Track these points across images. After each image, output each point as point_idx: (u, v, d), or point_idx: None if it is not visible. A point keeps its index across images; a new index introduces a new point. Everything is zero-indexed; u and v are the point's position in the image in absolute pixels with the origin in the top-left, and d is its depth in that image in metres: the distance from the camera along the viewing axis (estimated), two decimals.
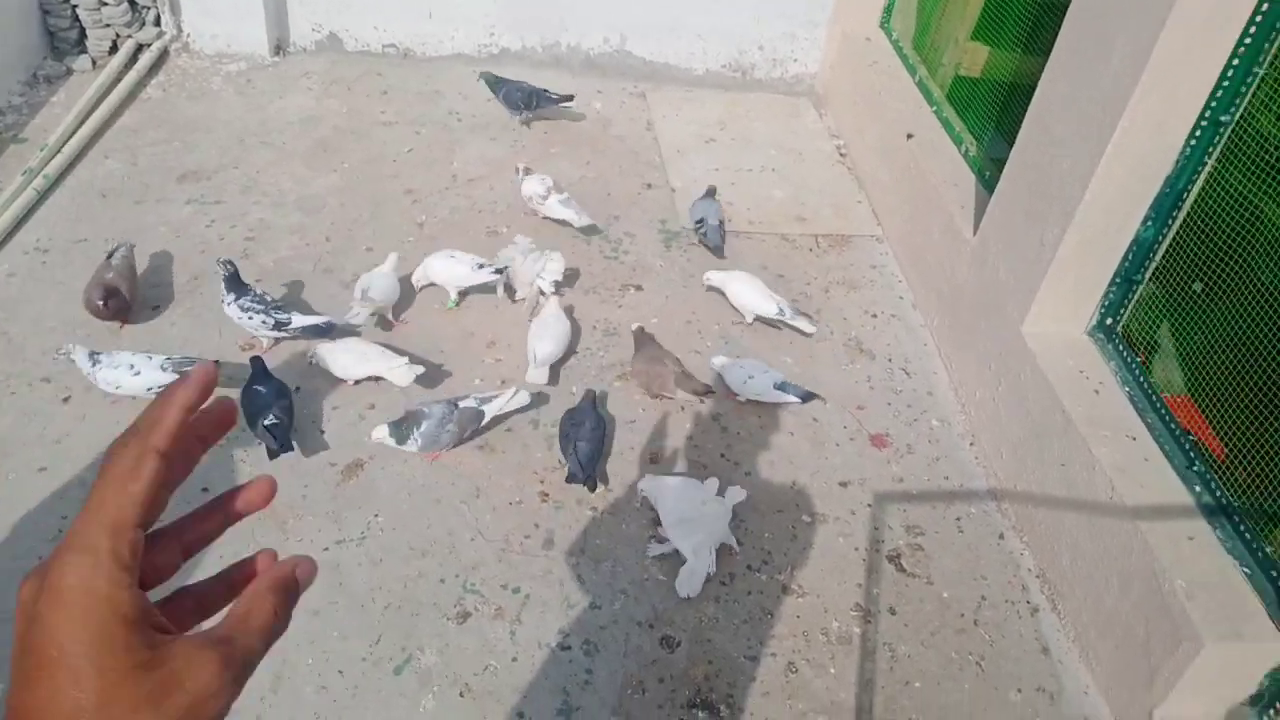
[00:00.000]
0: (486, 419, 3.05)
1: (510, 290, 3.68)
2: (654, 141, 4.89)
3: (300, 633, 2.51)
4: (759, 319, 3.72)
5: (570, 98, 4.75)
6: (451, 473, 3.01)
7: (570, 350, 3.48)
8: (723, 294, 3.79)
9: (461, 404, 3.01)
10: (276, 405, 2.87)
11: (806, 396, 3.35)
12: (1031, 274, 3.08)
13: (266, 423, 2.83)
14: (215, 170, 4.24)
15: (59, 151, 4.05)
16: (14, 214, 3.68)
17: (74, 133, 4.22)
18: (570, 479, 2.98)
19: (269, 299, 3.31)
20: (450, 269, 3.57)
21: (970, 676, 2.64)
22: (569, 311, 3.54)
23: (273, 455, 2.87)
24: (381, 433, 2.90)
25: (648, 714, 2.45)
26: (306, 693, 2.39)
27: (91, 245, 3.65)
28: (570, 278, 3.79)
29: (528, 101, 4.65)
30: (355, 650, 2.49)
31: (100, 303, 3.16)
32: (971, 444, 3.37)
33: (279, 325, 3.23)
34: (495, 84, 4.73)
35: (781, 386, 3.33)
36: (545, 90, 4.69)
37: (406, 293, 3.58)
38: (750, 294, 3.70)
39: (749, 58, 5.49)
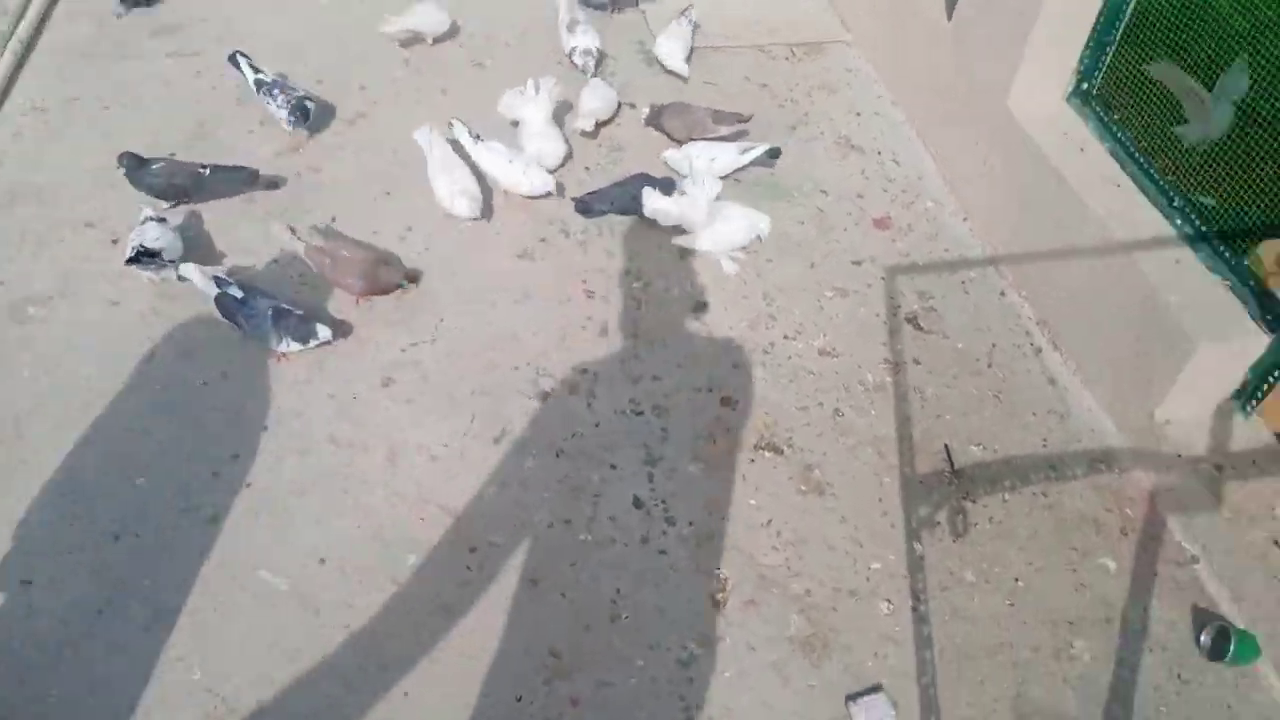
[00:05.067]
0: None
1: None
2: None
3: (401, 418, 2.73)
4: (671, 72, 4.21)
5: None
6: (499, 280, 3.19)
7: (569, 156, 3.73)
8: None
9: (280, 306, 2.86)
10: None
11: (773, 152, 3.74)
12: (1012, 47, 3.30)
13: None
14: (184, 24, 4.15)
15: (23, 16, 3.91)
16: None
17: None
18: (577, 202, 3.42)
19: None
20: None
21: (990, 407, 3.00)
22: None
23: None
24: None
25: (722, 458, 2.75)
26: (419, 462, 2.63)
27: (85, 103, 3.61)
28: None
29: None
30: (455, 427, 2.73)
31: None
32: (965, 219, 3.66)
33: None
34: None
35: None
36: None
37: None
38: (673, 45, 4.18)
39: None
